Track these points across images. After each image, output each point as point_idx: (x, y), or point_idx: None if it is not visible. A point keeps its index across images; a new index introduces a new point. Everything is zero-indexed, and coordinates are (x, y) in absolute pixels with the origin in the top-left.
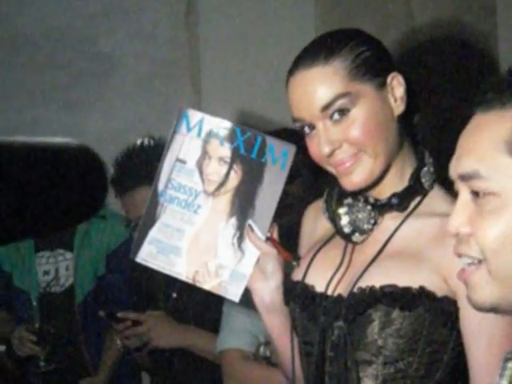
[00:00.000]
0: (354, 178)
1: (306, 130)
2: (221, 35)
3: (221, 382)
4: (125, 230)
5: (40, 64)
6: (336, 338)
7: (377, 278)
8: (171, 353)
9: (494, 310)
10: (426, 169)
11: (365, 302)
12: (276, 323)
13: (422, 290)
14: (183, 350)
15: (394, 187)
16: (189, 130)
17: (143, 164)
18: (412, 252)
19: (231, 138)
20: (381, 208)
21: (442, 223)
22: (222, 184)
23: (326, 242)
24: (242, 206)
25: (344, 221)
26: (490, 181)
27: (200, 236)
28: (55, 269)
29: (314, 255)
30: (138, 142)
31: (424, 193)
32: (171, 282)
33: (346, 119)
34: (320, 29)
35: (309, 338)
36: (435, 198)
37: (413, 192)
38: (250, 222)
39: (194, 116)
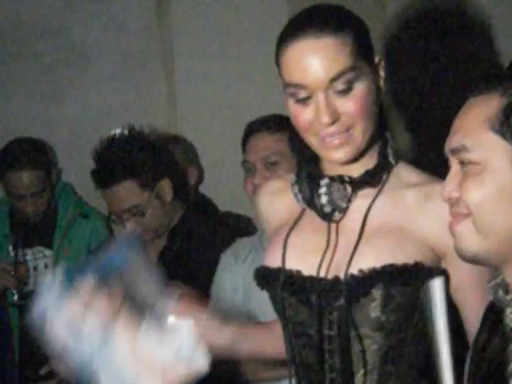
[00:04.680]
0: (339, 153)
1: (301, 96)
2: (192, 24)
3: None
4: (106, 230)
5: (12, 55)
6: (336, 317)
7: (371, 258)
8: None
9: (474, 258)
10: (390, 146)
11: (367, 282)
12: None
13: (417, 264)
14: None
15: (366, 165)
16: None
17: (126, 157)
18: (394, 226)
19: None
20: (356, 185)
21: (415, 193)
22: None
23: (295, 224)
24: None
25: (323, 200)
26: (473, 152)
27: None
28: (34, 266)
29: (286, 239)
30: (117, 132)
31: (390, 169)
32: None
33: (349, 93)
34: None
35: (300, 318)
36: (403, 171)
37: (382, 168)
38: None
39: None
